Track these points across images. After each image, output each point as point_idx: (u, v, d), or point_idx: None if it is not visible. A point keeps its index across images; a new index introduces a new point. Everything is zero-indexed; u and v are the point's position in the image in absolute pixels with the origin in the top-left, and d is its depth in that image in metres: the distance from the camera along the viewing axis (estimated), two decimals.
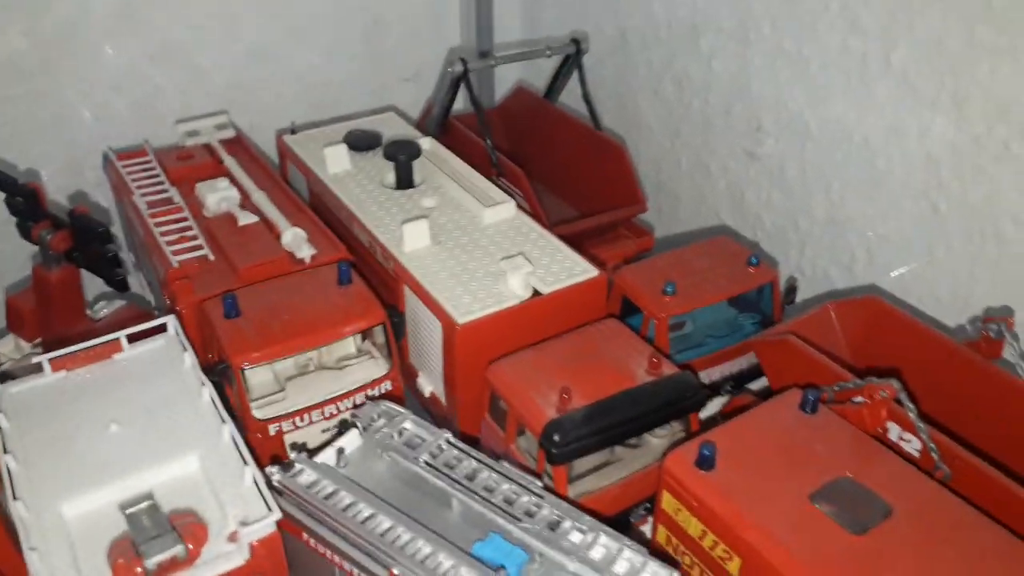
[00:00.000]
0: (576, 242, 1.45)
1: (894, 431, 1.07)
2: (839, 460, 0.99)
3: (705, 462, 0.98)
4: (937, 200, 1.40)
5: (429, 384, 1.32)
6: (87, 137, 1.76)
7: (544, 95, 1.85)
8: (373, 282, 1.35)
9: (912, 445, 1.06)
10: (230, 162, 1.58)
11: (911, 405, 1.03)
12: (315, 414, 1.18)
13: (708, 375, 1.33)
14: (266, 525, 0.90)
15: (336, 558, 0.96)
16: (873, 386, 1.04)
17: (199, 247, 1.32)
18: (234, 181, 1.50)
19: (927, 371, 1.20)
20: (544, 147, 1.85)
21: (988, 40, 1.24)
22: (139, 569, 0.83)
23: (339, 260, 1.27)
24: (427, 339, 1.26)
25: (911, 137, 1.40)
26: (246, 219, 1.37)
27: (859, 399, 1.06)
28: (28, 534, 0.90)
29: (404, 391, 1.26)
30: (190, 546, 0.85)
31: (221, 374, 1.14)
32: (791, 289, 1.42)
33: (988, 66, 1.26)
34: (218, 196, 1.43)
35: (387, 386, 1.23)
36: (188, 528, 0.87)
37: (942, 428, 1.07)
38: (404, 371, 1.37)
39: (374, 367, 1.24)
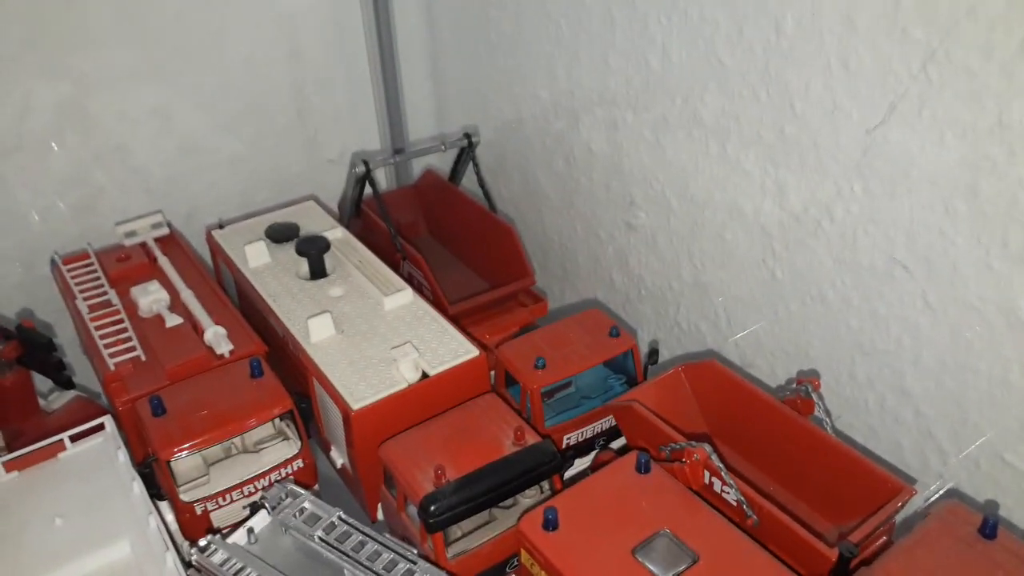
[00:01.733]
0: (475, 313, 1.66)
1: (717, 484, 1.29)
2: (662, 515, 1.20)
3: (550, 524, 1.19)
4: (774, 268, 1.62)
5: (340, 457, 1.52)
6: (35, 238, 1.94)
7: (449, 179, 2.06)
8: (288, 369, 1.56)
9: (731, 495, 1.27)
10: (163, 261, 1.78)
11: (720, 465, 1.24)
12: (236, 493, 1.37)
13: (583, 433, 1.54)
14: None
15: None
16: (689, 450, 1.26)
17: (133, 348, 1.51)
18: (165, 282, 1.69)
19: (757, 426, 1.42)
20: (452, 223, 2.07)
21: (794, 135, 1.47)
22: None
23: (251, 355, 1.47)
24: (333, 419, 1.46)
25: (748, 214, 1.62)
26: (172, 321, 1.57)
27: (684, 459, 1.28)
28: None
29: (316, 465, 1.45)
30: None
31: (152, 465, 1.34)
32: (654, 352, 1.63)
33: (798, 158, 1.48)
34: (150, 299, 1.62)
35: (299, 463, 1.43)
36: None
37: (766, 477, 1.28)
38: (321, 444, 1.58)
39: (287, 448, 1.44)
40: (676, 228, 1.81)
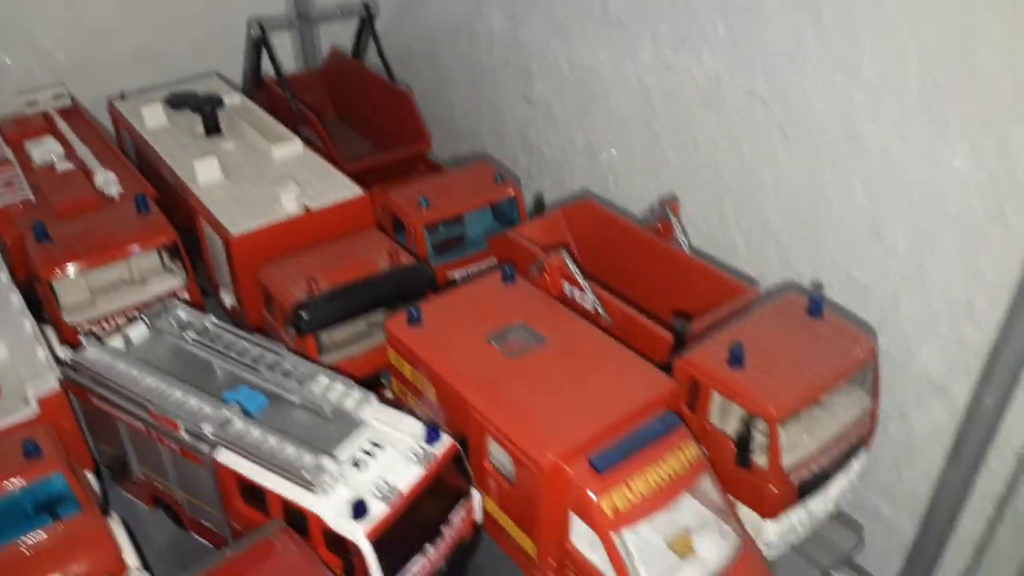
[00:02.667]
0: (371, 179, 1.71)
1: (577, 295, 1.36)
2: (520, 313, 1.27)
3: (413, 319, 1.26)
4: (652, 121, 1.69)
5: (228, 297, 1.57)
6: None
7: (352, 55, 2.10)
8: (180, 219, 1.59)
9: (588, 300, 1.34)
10: (63, 126, 1.80)
11: (575, 269, 1.31)
12: (120, 320, 1.42)
13: (468, 271, 1.60)
14: (49, 382, 1.14)
15: (121, 415, 1.21)
16: (547, 258, 1.32)
17: (22, 191, 1.54)
18: (61, 139, 1.72)
19: (628, 256, 1.49)
20: (356, 101, 2.11)
21: None
22: None
23: (136, 196, 1.50)
24: (218, 254, 1.51)
25: (629, 70, 1.68)
26: (64, 166, 1.60)
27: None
28: None
29: (203, 301, 1.50)
30: None
31: (33, 286, 1.37)
32: (539, 203, 1.69)
33: (669, 4, 1.55)
34: (43, 150, 1.65)
35: (185, 297, 1.47)
36: None
37: (640, 303, 1.35)
38: (212, 290, 1.62)
39: (173, 280, 1.48)
40: (568, 96, 1.87)
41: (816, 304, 1.19)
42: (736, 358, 1.11)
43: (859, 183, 1.36)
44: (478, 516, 1.19)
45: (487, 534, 1.23)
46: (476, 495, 1.18)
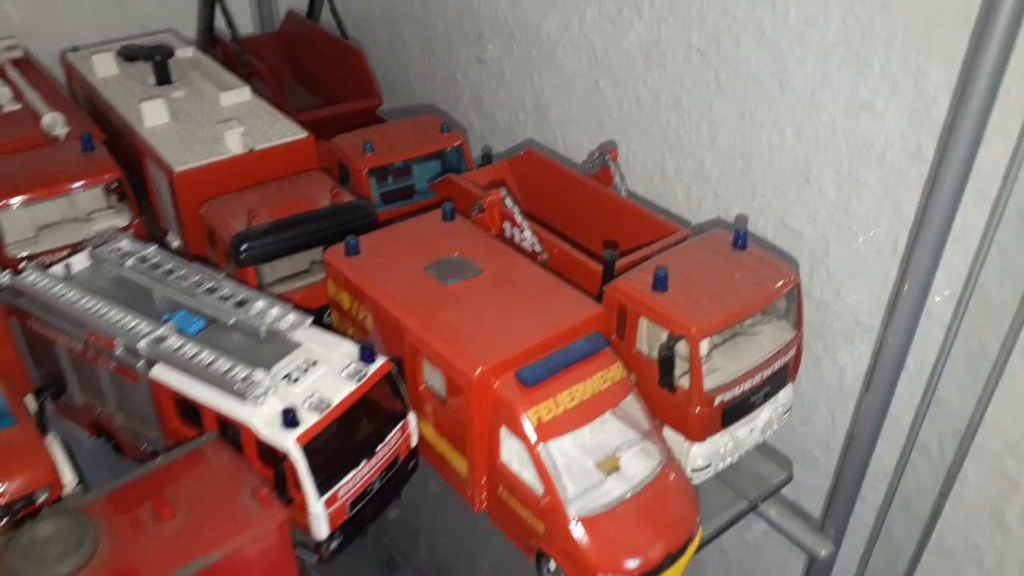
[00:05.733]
0: (324, 134, 1.71)
1: (516, 235, 1.39)
2: (457, 248, 1.30)
3: (351, 250, 1.28)
4: (598, 77, 1.72)
5: (175, 241, 1.58)
6: None
7: (307, 15, 2.12)
8: (128, 163, 1.60)
9: (526, 239, 1.37)
10: (12, 73, 1.80)
11: (513, 207, 1.34)
12: (63, 255, 1.42)
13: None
14: None
15: (59, 337, 1.22)
16: (485, 195, 1.35)
17: None
18: (9, 84, 1.72)
19: (570, 202, 1.52)
20: (311, 62, 2.13)
21: None
22: None
23: (82, 134, 1.51)
24: (164, 196, 1.52)
25: (574, 26, 1.72)
26: (10, 107, 1.61)
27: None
28: None
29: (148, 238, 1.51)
30: None
31: None
32: (487, 156, 1.72)
33: None
34: None
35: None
36: None
37: (571, 239, 1.38)
38: (160, 234, 1.63)
39: (119, 219, 1.49)
40: (519, 55, 1.90)
41: (740, 237, 1.23)
42: (660, 282, 1.14)
43: (789, 129, 1.40)
44: (414, 438, 1.22)
45: (423, 459, 1.25)
46: (412, 417, 1.21)
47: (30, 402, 1.23)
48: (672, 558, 1.08)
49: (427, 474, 1.25)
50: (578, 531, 1.04)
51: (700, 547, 1.18)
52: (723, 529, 1.27)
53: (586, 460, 1.15)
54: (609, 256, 1.21)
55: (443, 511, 1.25)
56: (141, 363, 1.13)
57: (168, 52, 1.72)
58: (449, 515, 1.24)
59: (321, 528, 1.08)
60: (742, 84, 1.45)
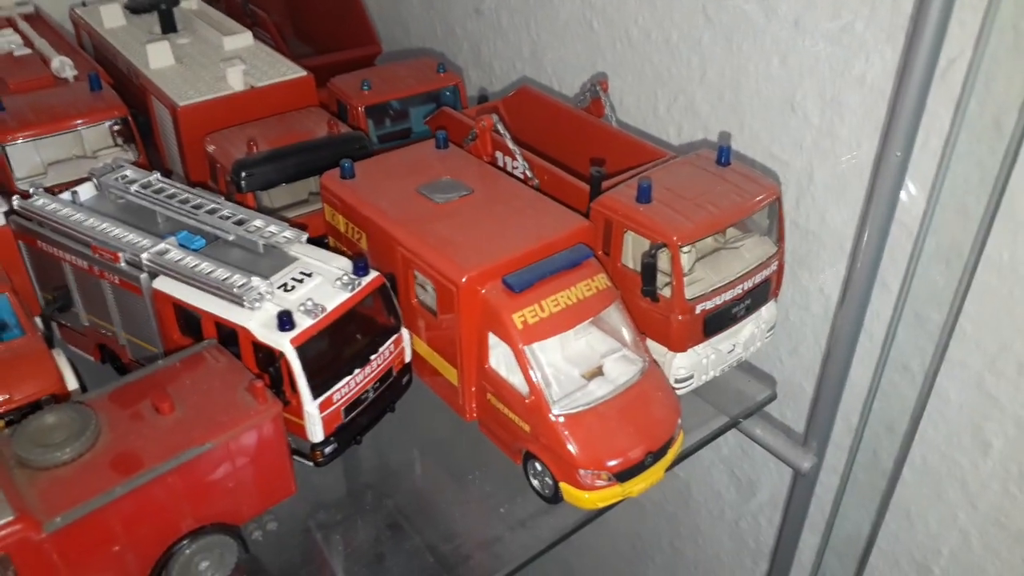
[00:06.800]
0: (325, 79, 1.75)
1: (510, 164, 1.43)
2: (449, 171, 1.34)
3: (347, 174, 1.32)
4: (591, 19, 1.76)
5: (178, 178, 1.63)
6: None
7: None
8: (134, 106, 1.65)
9: (518, 167, 1.41)
10: (23, 25, 1.86)
11: (505, 133, 1.38)
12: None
13: None
14: None
15: (65, 255, 1.27)
16: (478, 120, 1.39)
17: None
18: (20, 34, 1.77)
19: (562, 133, 1.56)
20: (311, 16, 2.17)
21: None
22: None
23: (89, 73, 1.56)
24: (167, 133, 1.57)
25: None
26: (21, 52, 1.66)
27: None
28: None
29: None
30: None
31: None
32: (483, 97, 1.76)
33: None
34: (2, 40, 1.70)
35: None
36: None
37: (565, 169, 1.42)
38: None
39: (123, 155, 1.54)
40: (516, 4, 1.94)
41: (724, 152, 1.26)
42: (644, 194, 1.18)
43: (776, 58, 1.43)
44: (407, 353, 1.26)
45: (416, 375, 1.30)
46: (405, 333, 1.25)
47: (37, 323, 1.28)
48: (653, 457, 1.12)
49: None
50: (561, 427, 1.08)
51: (682, 458, 1.22)
52: (706, 442, 1.31)
53: (572, 370, 1.19)
54: (596, 173, 1.25)
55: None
56: (144, 275, 1.18)
57: (174, 1, 1.77)
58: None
59: (316, 430, 1.12)
60: (729, 16, 1.48)
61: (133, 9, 1.88)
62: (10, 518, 0.86)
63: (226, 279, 1.12)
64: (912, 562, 1.57)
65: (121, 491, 0.92)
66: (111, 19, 1.83)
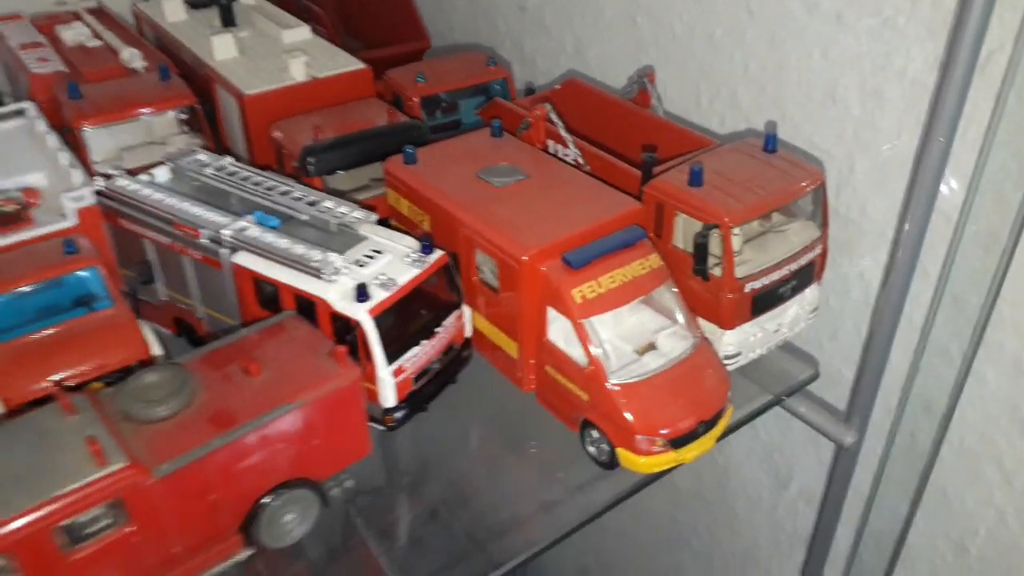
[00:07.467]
0: (377, 73, 1.82)
1: (560, 151, 1.50)
2: (505, 157, 1.41)
3: (409, 159, 1.40)
4: (635, 15, 1.82)
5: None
6: None
7: None
8: (201, 94, 1.73)
9: (570, 153, 1.48)
10: (89, 19, 1.94)
11: (558, 121, 1.45)
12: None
13: None
14: (86, 198, 1.28)
15: (147, 232, 1.35)
16: (532, 109, 1.46)
17: (55, 64, 1.69)
18: (88, 26, 1.86)
19: (610, 124, 1.63)
20: (362, 14, 2.25)
21: None
22: None
23: (159, 64, 1.64)
24: (232, 121, 1.65)
25: None
26: (92, 43, 1.74)
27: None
28: None
29: None
30: (31, 200, 1.24)
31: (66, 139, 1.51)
32: (531, 90, 1.83)
33: None
34: (73, 33, 1.79)
35: None
36: (27, 192, 1.25)
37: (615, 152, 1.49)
38: None
39: (191, 141, 1.62)
40: (561, 1, 2.01)
41: (770, 139, 1.33)
42: (695, 177, 1.24)
43: (817, 51, 1.49)
44: (468, 328, 1.33)
45: (476, 351, 1.37)
46: (466, 309, 1.32)
47: None
48: (705, 426, 1.19)
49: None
50: (618, 395, 1.15)
51: (729, 432, 1.28)
52: (752, 416, 1.37)
53: (625, 346, 1.26)
54: (648, 158, 1.32)
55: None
56: (225, 251, 1.25)
57: None
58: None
59: (388, 395, 1.19)
60: (772, 11, 1.54)
61: (193, 4, 1.96)
62: (124, 464, 0.94)
63: (304, 254, 1.20)
64: (948, 541, 1.62)
65: (219, 443, 0.99)
66: (173, 14, 1.91)
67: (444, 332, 1.27)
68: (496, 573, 1.12)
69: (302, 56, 1.63)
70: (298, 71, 1.60)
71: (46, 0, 2.06)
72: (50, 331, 1.18)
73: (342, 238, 1.27)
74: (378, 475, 1.23)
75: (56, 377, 1.15)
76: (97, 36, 1.82)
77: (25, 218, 1.26)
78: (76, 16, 1.97)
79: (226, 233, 1.25)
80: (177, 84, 1.61)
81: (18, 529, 0.91)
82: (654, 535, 2.47)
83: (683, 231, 1.29)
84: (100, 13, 2.03)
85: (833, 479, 1.64)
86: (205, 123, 1.61)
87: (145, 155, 1.57)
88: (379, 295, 1.16)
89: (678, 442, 1.17)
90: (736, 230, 1.22)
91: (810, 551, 1.86)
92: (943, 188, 1.35)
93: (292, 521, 1.10)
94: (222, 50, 1.69)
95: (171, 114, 1.60)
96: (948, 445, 1.53)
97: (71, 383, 1.14)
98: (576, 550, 2.81)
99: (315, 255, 1.20)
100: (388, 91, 1.74)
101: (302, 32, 1.78)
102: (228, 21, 1.86)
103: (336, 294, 1.17)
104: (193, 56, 1.74)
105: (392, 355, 1.18)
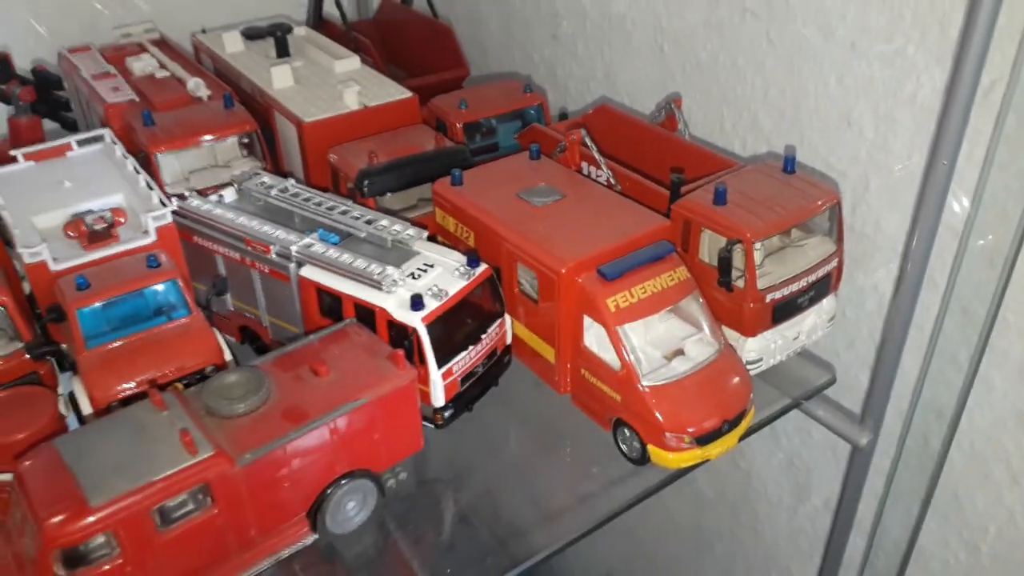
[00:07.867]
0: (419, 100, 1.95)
1: (594, 173, 1.62)
2: (543, 179, 1.53)
3: (456, 181, 1.52)
4: (662, 43, 1.94)
5: None
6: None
7: (401, 1, 2.39)
8: (260, 122, 1.87)
9: (603, 175, 1.60)
10: (153, 50, 2.10)
11: (592, 145, 1.57)
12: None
13: None
14: (164, 216, 1.42)
15: (218, 248, 1.48)
16: (567, 134, 1.59)
17: (127, 93, 1.84)
18: (154, 56, 2.01)
19: (640, 148, 1.75)
20: (404, 44, 2.39)
21: None
22: (83, 228, 1.35)
23: (224, 93, 1.79)
24: (290, 146, 1.79)
25: (642, 2, 1.94)
26: (161, 74, 1.89)
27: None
28: (13, 233, 1.41)
29: None
30: (119, 219, 1.38)
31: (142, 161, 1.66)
32: (564, 115, 1.96)
33: None
34: (142, 64, 1.94)
35: None
36: (116, 212, 1.40)
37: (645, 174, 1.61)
38: None
39: (252, 164, 1.76)
40: (591, 31, 2.13)
41: (789, 161, 1.44)
42: (720, 196, 1.36)
43: (833, 78, 1.60)
44: (508, 336, 1.45)
45: (516, 357, 1.49)
46: (508, 318, 1.44)
47: None
48: (729, 426, 1.30)
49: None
50: (649, 396, 1.26)
51: (751, 432, 1.39)
52: (773, 419, 1.48)
53: (654, 352, 1.37)
54: (676, 179, 1.43)
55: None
56: (292, 265, 1.38)
57: (288, 28, 2.00)
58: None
59: (439, 396, 1.31)
60: (791, 39, 1.65)
61: (249, 36, 2.11)
62: (211, 453, 1.07)
63: (365, 268, 1.33)
64: (960, 541, 1.71)
65: (293, 436, 1.12)
66: (232, 45, 2.06)
67: (488, 339, 1.39)
68: (537, 557, 1.23)
69: (355, 85, 1.76)
70: (351, 100, 1.74)
71: (111, 32, 2.22)
72: (134, 337, 1.32)
73: (397, 253, 1.40)
74: (426, 468, 1.36)
75: (140, 379, 1.28)
76: (163, 66, 1.97)
77: (112, 235, 1.39)
78: (142, 48, 2.13)
79: (295, 249, 1.38)
80: (240, 112, 1.75)
81: (121, 509, 1.03)
82: (678, 540, 2.56)
83: (708, 246, 1.40)
84: (163, 44, 2.18)
85: (848, 481, 1.74)
86: (264, 147, 1.75)
87: (210, 177, 1.71)
88: (432, 304, 1.29)
89: (704, 439, 1.28)
90: (758, 245, 1.33)
91: (826, 553, 1.96)
92: (951, 205, 1.45)
93: (354, 508, 1.22)
94: (280, 79, 1.83)
95: (233, 139, 1.74)
96: (957, 448, 1.63)
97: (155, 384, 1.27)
98: (600, 557, 2.91)
99: (375, 268, 1.32)
100: (432, 117, 1.87)
101: (353, 62, 1.92)
102: (283, 52, 2.00)
103: (394, 303, 1.29)
104: (252, 85, 1.88)
105: (442, 359, 1.30)
